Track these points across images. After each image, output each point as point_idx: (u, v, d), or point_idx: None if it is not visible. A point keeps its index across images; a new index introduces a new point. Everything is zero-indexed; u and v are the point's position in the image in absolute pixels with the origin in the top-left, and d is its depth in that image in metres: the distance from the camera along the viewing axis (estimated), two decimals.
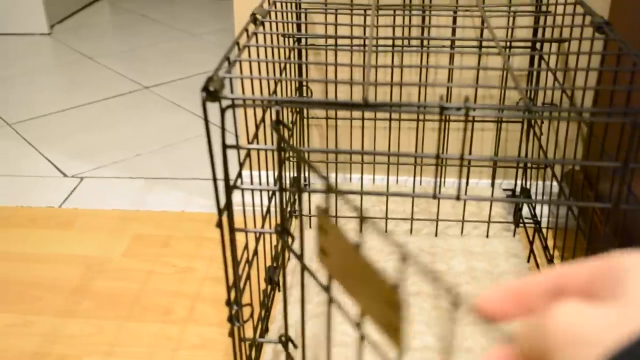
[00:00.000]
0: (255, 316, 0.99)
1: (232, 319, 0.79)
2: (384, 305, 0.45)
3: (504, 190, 1.42)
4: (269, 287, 1.10)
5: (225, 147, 0.70)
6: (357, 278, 0.48)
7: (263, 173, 1.39)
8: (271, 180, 1.32)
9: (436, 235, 1.26)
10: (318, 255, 0.56)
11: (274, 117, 0.69)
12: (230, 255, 0.74)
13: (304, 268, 0.65)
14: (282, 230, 0.70)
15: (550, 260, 1.19)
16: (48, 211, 1.55)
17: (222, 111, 0.68)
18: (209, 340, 1.16)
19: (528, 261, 1.24)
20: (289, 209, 1.32)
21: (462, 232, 1.28)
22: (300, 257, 0.65)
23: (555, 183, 1.38)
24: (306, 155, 1.41)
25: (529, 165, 1.33)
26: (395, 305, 0.44)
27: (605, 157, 0.91)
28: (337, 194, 0.54)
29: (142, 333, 1.18)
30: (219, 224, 0.72)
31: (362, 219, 0.47)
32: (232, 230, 0.73)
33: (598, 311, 0.30)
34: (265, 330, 1.06)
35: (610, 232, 0.81)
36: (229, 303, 0.78)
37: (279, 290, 1.15)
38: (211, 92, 0.67)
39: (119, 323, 1.20)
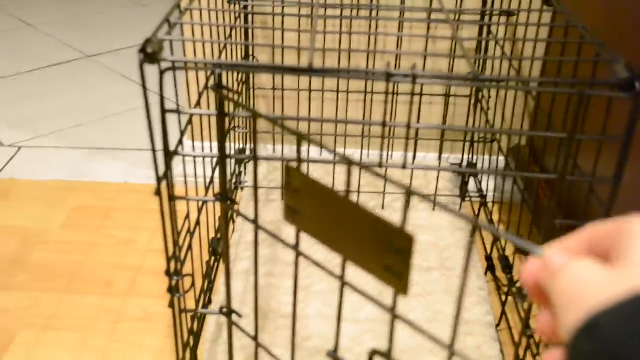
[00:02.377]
0: (198, 288, 0.96)
1: (172, 289, 0.76)
2: (384, 249, 0.46)
3: (452, 164, 1.42)
4: (213, 258, 1.08)
5: (164, 111, 0.67)
6: (344, 228, 0.49)
7: (207, 144, 1.36)
8: (216, 151, 1.29)
9: (383, 207, 1.26)
10: (285, 215, 0.55)
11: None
12: (170, 223, 0.71)
13: (257, 227, 0.63)
14: (223, 197, 0.68)
15: (495, 236, 1.19)
16: None
17: (161, 73, 0.66)
18: (151, 312, 1.13)
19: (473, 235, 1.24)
20: (233, 180, 1.29)
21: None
22: (254, 221, 0.64)
23: (501, 158, 1.38)
24: (250, 121, 1.38)
25: (475, 139, 1.34)
26: (399, 249, 0.45)
27: (551, 129, 0.91)
28: (283, 161, 0.53)
29: (81, 306, 1.15)
30: (158, 192, 0.70)
31: (350, 163, 0.45)
32: (171, 198, 0.71)
33: (601, 271, 0.32)
34: (208, 303, 1.04)
35: (555, 205, 0.82)
36: (168, 273, 0.76)
37: (223, 263, 1.13)
38: (149, 54, 0.64)
39: (57, 296, 1.17)
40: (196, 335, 0.95)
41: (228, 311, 0.77)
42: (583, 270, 0.32)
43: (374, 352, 0.58)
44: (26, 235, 1.31)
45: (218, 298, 1.03)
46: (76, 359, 1.04)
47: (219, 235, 1.11)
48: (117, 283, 1.20)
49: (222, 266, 1.14)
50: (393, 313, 0.54)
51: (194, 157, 0.89)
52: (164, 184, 0.70)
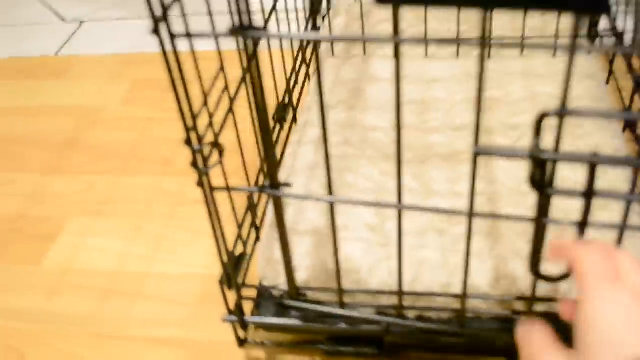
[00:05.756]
0: (252, 167, 0.78)
1: (196, 163, 0.58)
2: None
3: None
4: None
5: None
6: None
7: None
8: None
9: (489, 56, 1.01)
10: None
11: None
12: (175, 62, 0.52)
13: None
14: (274, 186, 0.48)
15: (637, 82, 0.93)
16: (41, 60, 1.36)
17: None
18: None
19: (607, 83, 0.98)
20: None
21: (522, 51, 1.02)
22: None
23: None
24: None
25: None
26: None
27: None
28: None
29: (137, 187, 1.00)
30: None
31: None
32: (172, 37, 0.51)
33: None
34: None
35: None
36: (188, 142, 0.58)
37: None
38: None
39: (112, 178, 1.03)
40: (254, 218, 0.77)
41: (272, 184, 0.59)
42: None
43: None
44: (82, 114, 1.17)
45: (284, 173, 0.84)
46: (128, 247, 0.90)
47: (284, 101, 0.92)
48: (178, 161, 1.04)
49: (283, 138, 0.94)
50: None
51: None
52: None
